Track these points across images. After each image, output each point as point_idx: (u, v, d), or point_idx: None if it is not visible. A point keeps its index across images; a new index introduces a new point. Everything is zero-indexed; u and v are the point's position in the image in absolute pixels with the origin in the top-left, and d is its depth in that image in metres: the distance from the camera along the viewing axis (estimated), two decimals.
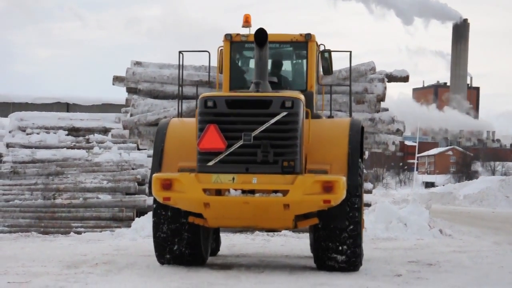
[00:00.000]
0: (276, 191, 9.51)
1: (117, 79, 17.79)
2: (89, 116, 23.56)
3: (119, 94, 23.63)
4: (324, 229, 10.10)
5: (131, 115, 16.49)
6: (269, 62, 10.95)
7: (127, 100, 17.93)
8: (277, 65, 11.53)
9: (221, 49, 11.27)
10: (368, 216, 18.13)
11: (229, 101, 9.66)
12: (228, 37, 11.22)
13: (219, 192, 9.60)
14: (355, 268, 10.29)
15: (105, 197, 18.80)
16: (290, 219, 9.87)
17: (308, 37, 11.19)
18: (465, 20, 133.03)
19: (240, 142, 9.48)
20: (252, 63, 11.20)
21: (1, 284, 8.98)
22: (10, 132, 23.90)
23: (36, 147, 21.76)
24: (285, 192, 9.47)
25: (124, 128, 15.93)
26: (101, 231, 17.53)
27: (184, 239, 10.42)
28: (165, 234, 10.42)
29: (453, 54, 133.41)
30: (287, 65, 11.73)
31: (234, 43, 11.25)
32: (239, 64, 11.51)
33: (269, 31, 10.12)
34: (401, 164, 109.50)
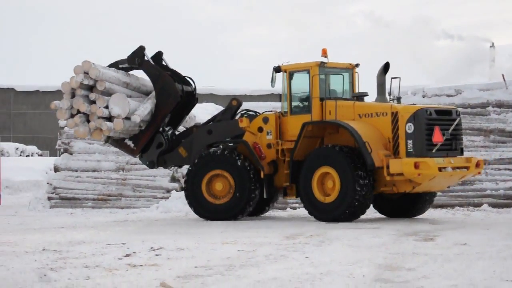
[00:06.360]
0: None
1: None
2: None
3: None
4: None
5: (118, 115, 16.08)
6: (350, 82, 15.79)
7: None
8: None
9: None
10: None
11: (435, 111, 14.91)
12: (321, 64, 15.34)
13: (439, 169, 14.42)
14: None
15: None
16: None
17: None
18: None
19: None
20: (330, 81, 15.62)
21: (232, 251, 10.10)
22: None
23: None
24: None
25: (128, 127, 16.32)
26: None
27: None
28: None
29: None
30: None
31: (321, 68, 15.40)
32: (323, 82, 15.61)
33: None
34: None
